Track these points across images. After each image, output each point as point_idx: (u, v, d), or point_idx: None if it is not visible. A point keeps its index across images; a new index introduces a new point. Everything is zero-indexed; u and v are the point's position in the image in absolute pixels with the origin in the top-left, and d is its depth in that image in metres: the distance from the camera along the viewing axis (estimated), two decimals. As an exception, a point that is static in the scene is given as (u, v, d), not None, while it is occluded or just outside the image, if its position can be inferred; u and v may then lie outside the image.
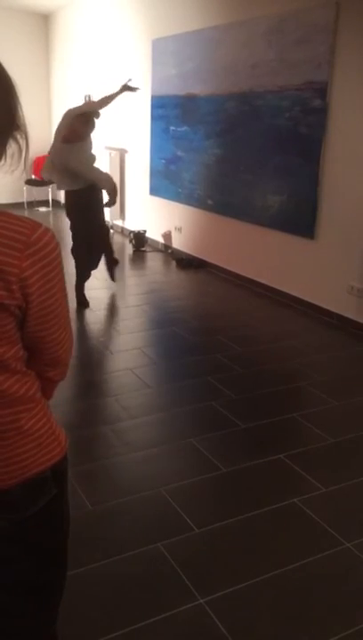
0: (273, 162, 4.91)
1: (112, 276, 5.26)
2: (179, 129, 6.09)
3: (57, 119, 4.76)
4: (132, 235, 6.82)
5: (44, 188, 8.96)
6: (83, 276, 4.76)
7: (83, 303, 4.72)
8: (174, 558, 2.07)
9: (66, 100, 8.26)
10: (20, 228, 0.97)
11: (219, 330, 4.32)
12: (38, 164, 8.67)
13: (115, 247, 5.04)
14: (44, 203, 9.15)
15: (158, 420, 3.05)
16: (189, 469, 2.62)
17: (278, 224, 4.97)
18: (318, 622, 1.85)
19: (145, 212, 7.04)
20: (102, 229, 4.91)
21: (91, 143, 4.57)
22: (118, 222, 7.69)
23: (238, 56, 5.12)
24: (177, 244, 6.53)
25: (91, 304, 4.75)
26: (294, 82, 4.57)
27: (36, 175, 8.81)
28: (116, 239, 7.02)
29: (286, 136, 4.74)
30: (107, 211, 4.95)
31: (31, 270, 0.97)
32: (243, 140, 5.22)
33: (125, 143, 7.26)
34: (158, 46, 6.21)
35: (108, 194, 4.67)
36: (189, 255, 6.27)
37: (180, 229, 6.45)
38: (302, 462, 2.67)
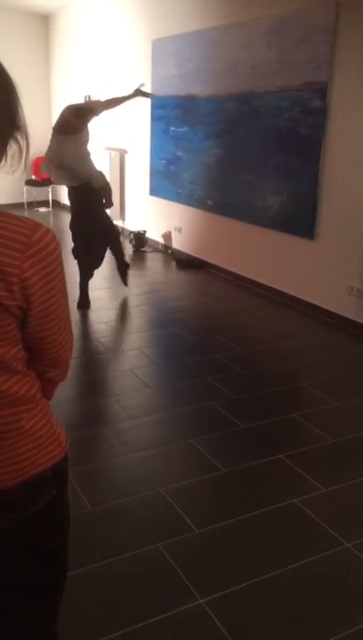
0: (273, 162, 4.91)
1: (124, 281, 5.16)
2: (179, 129, 6.09)
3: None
4: (132, 235, 6.82)
5: (44, 188, 8.97)
6: (85, 275, 4.75)
7: (84, 303, 4.71)
8: (174, 558, 2.07)
9: (66, 100, 8.26)
10: (21, 228, 0.97)
11: (219, 330, 4.32)
12: (38, 164, 8.67)
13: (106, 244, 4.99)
14: (44, 203, 9.15)
15: (158, 421, 3.05)
16: (188, 470, 2.62)
17: (278, 224, 4.97)
18: (318, 622, 1.85)
19: (145, 212, 7.04)
20: (108, 231, 4.83)
21: (85, 139, 4.49)
22: (118, 223, 7.69)
23: (238, 56, 5.12)
24: (177, 244, 6.53)
25: (92, 304, 4.75)
26: (294, 82, 4.58)
27: (36, 175, 8.82)
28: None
29: (285, 136, 4.74)
30: (107, 212, 4.93)
31: (32, 271, 0.97)
32: (243, 140, 5.23)
33: (124, 143, 7.26)
34: (158, 47, 6.21)
35: (102, 193, 4.62)
36: (189, 255, 6.28)
37: (180, 230, 6.45)
38: (301, 462, 2.67)
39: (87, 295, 4.76)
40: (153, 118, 6.50)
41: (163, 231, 6.73)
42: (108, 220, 4.90)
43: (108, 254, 4.90)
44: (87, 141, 4.51)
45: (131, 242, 6.81)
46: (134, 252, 6.71)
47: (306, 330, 4.43)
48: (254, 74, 4.96)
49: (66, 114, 4.40)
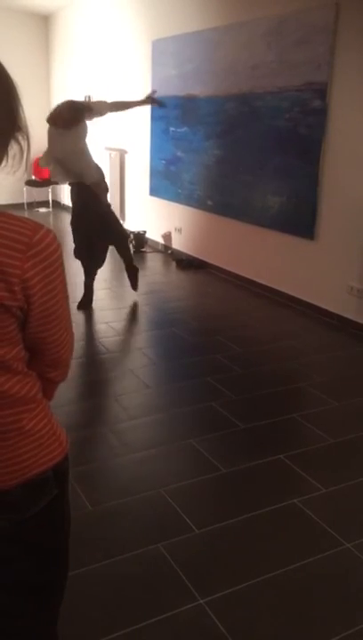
0: (273, 162, 4.91)
1: (132, 285, 5.04)
2: (179, 130, 6.10)
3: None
4: (132, 235, 6.82)
5: (44, 188, 8.97)
6: (89, 275, 4.74)
7: (85, 303, 4.70)
8: (174, 559, 2.07)
9: (66, 100, 8.27)
10: (22, 229, 0.97)
11: (219, 330, 4.32)
12: (37, 164, 8.67)
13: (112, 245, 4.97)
14: (44, 203, 9.15)
15: (158, 421, 3.05)
16: (188, 470, 2.62)
17: (278, 225, 4.97)
18: (319, 622, 1.85)
19: (145, 212, 7.04)
20: (114, 232, 4.77)
21: (80, 136, 4.39)
22: (118, 223, 7.69)
23: (238, 57, 5.12)
24: (177, 244, 6.53)
25: (92, 305, 4.75)
26: (294, 83, 4.58)
27: (36, 176, 8.82)
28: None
29: (285, 137, 4.74)
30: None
31: (33, 271, 0.98)
32: (243, 140, 5.23)
33: (124, 144, 7.26)
34: (158, 47, 6.22)
35: (95, 190, 4.53)
36: (188, 256, 6.28)
37: (180, 230, 6.45)
38: (301, 463, 2.68)
39: (90, 295, 4.75)
40: (153, 118, 6.50)
41: (163, 231, 6.73)
42: (115, 221, 4.81)
43: (109, 255, 4.88)
44: (82, 138, 4.41)
45: (131, 242, 6.80)
46: (134, 252, 6.68)
47: (306, 330, 4.43)
48: (254, 74, 4.96)
49: (61, 106, 4.38)
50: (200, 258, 6.13)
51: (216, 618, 1.83)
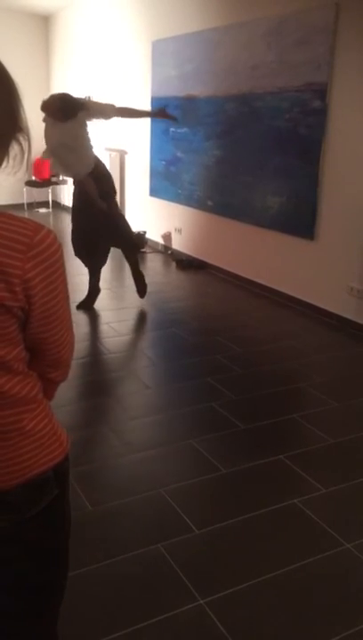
0: (273, 163, 4.91)
1: (138, 291, 4.90)
2: (179, 130, 6.10)
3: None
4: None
5: (44, 189, 8.98)
6: (93, 275, 4.72)
7: (86, 303, 4.69)
8: (175, 559, 2.07)
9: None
10: (23, 229, 0.97)
11: (219, 331, 4.32)
12: (38, 165, 8.68)
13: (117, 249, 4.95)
14: (44, 204, 9.15)
15: (158, 421, 3.05)
16: (188, 470, 2.62)
17: (278, 225, 4.98)
18: (319, 623, 1.85)
19: (145, 213, 7.05)
20: (121, 235, 4.70)
21: (72, 131, 4.28)
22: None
23: (238, 57, 5.12)
24: (177, 245, 6.53)
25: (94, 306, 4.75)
26: (294, 83, 4.58)
27: (36, 176, 8.83)
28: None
29: (285, 137, 4.74)
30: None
31: (34, 272, 0.98)
32: (243, 141, 5.23)
33: (124, 144, 7.27)
34: (158, 47, 6.22)
35: (79, 187, 4.47)
36: (188, 256, 6.28)
37: (180, 230, 6.45)
38: (301, 463, 2.68)
39: (92, 296, 4.73)
40: (153, 119, 6.50)
41: (163, 232, 6.74)
42: (123, 225, 4.72)
43: (109, 255, 4.88)
44: (73, 134, 4.30)
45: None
46: (134, 252, 6.71)
47: (306, 330, 4.43)
48: (254, 74, 4.97)
49: (55, 95, 4.35)
50: (200, 258, 6.13)
51: (216, 618, 1.83)
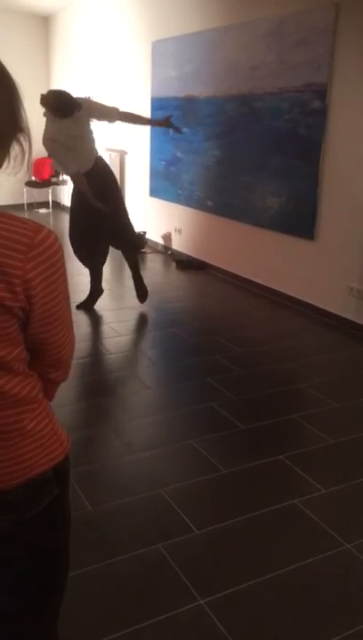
0: (273, 163, 4.92)
1: (138, 295, 4.82)
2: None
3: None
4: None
5: (44, 189, 8.98)
6: (93, 276, 4.71)
7: (87, 303, 4.69)
8: (174, 559, 2.07)
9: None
10: (24, 230, 0.97)
11: (218, 331, 4.32)
12: (38, 165, 8.68)
13: (116, 249, 4.94)
14: (44, 204, 9.15)
15: (158, 421, 3.05)
16: (188, 470, 2.62)
17: (278, 225, 4.98)
18: (319, 623, 1.85)
19: (145, 213, 7.05)
20: (122, 237, 4.68)
21: (69, 131, 4.25)
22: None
23: (238, 58, 5.13)
24: (177, 245, 6.53)
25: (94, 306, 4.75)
26: (294, 84, 4.58)
27: (36, 177, 8.83)
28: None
29: (285, 138, 4.75)
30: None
31: (35, 272, 0.98)
32: (242, 141, 5.23)
33: (125, 144, 7.27)
34: (158, 48, 6.22)
35: (77, 188, 4.44)
36: (188, 256, 6.28)
37: (179, 231, 6.45)
38: (301, 463, 2.68)
39: (93, 297, 4.72)
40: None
41: (163, 232, 6.74)
42: (125, 226, 4.66)
43: (109, 255, 4.88)
44: (72, 135, 4.27)
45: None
46: (134, 253, 6.71)
47: (305, 330, 4.43)
48: (254, 75, 4.97)
49: (53, 90, 4.35)
50: (200, 258, 6.13)
51: (216, 618, 1.83)
